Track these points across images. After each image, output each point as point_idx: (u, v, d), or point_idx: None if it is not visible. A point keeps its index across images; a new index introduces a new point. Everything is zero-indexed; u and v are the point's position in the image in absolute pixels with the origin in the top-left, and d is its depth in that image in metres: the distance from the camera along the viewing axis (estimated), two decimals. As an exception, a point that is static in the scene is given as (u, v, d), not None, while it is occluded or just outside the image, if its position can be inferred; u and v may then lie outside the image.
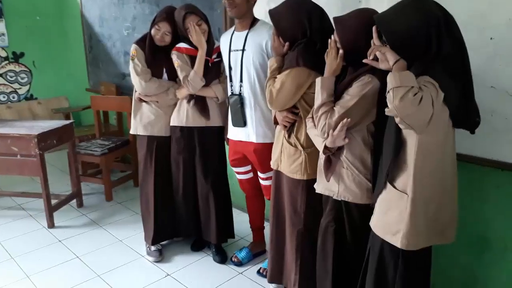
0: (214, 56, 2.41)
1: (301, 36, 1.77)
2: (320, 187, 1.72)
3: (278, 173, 2.01)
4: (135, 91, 2.54)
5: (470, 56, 1.48)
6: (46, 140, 2.88)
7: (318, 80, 1.61)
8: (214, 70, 2.43)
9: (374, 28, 1.38)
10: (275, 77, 1.83)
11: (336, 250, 1.68)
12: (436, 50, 1.30)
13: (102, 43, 4.30)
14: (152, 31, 2.41)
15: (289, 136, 1.89)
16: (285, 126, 1.89)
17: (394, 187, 1.40)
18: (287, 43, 1.83)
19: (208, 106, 2.43)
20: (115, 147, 3.52)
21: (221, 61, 2.42)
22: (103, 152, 3.40)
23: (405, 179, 1.37)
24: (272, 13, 1.82)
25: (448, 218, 1.41)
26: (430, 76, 1.28)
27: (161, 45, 2.42)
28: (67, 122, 3.16)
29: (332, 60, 1.58)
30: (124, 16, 3.88)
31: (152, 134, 2.54)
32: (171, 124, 2.51)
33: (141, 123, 2.54)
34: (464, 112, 1.35)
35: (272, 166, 2.04)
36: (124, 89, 4.04)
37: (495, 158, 1.82)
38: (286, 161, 1.91)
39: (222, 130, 2.53)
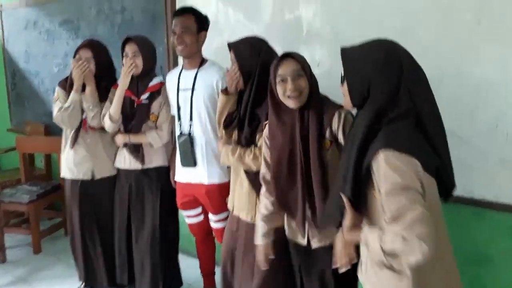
0: (143, 97, 2.27)
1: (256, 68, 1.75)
2: None
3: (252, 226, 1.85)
4: (64, 130, 2.44)
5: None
6: (-36, 190, 2.55)
7: None
8: (141, 113, 2.27)
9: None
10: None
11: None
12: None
13: (28, 80, 3.99)
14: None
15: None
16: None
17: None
18: None
19: (142, 150, 2.31)
20: (44, 193, 3.21)
21: (151, 103, 2.27)
22: (31, 199, 3.08)
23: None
24: (233, 44, 1.82)
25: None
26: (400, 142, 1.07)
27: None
28: (-11, 167, 2.85)
29: None
30: (54, 53, 3.66)
31: (77, 178, 2.41)
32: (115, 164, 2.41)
33: (66, 165, 2.42)
34: (446, 175, 1.19)
35: (245, 218, 1.87)
36: (53, 129, 3.74)
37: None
38: None
39: (165, 171, 2.39)
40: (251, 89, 1.76)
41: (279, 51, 1.97)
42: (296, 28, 2.26)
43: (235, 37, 2.36)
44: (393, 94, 1.13)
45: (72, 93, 2.30)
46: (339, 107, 1.49)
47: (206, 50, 2.21)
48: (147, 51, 2.26)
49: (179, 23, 2.07)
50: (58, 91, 2.39)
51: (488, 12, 1.71)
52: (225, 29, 2.52)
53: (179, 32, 2.06)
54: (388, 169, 1.04)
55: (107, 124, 2.25)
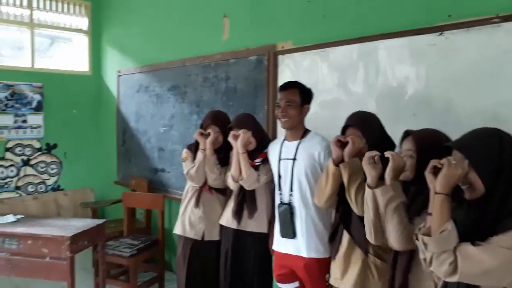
0: (257, 160, 2.37)
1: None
2: None
3: None
4: (187, 189, 2.63)
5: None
6: (78, 242, 2.74)
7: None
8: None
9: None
10: None
11: None
12: None
13: (136, 137, 4.36)
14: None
15: (367, 252, 1.76)
16: None
17: None
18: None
19: (243, 210, 2.36)
20: (144, 247, 3.36)
21: (263, 165, 2.36)
22: (132, 253, 3.23)
23: None
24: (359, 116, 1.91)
25: None
26: None
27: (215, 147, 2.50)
28: (100, 221, 3.05)
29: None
30: (161, 114, 3.98)
31: (189, 236, 2.54)
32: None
33: (181, 221, 2.59)
34: None
35: None
36: (155, 184, 4.00)
37: None
38: (377, 282, 1.75)
39: (264, 237, 2.39)
40: None
41: (385, 121, 1.93)
42: (403, 98, 2.19)
43: (332, 99, 2.47)
44: None
45: (198, 153, 2.48)
46: None
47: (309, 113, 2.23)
48: (257, 130, 2.41)
49: (284, 96, 2.12)
50: (188, 153, 2.59)
51: None
52: (330, 94, 2.52)
53: (283, 106, 2.11)
54: None
55: (230, 183, 2.40)
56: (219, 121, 2.53)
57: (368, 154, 1.63)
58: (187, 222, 2.56)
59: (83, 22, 5.01)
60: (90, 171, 5.05)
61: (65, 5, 4.84)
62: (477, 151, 1.27)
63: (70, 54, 5.07)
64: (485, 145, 1.27)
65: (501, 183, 1.22)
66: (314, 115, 2.40)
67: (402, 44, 2.18)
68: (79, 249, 2.79)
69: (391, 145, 1.84)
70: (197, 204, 2.53)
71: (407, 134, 1.64)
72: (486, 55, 1.88)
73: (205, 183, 2.52)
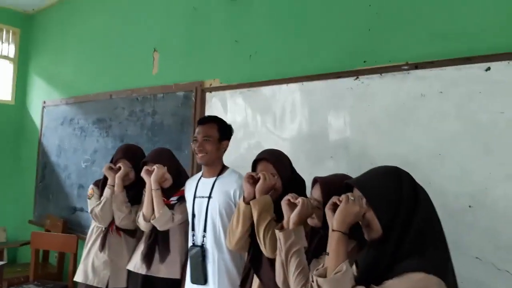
0: (173, 198, 2.22)
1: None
2: None
3: None
4: (92, 230, 2.39)
5: (450, 224, 1.38)
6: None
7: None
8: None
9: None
10: None
11: None
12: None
13: (56, 173, 4.05)
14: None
15: None
16: None
17: None
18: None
19: (154, 253, 2.18)
20: (49, 294, 3.02)
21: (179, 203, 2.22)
22: (34, 301, 2.89)
23: None
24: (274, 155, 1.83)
25: None
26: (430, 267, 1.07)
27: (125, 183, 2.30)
28: (-3, 264, 2.72)
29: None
30: (84, 148, 3.74)
31: (91, 284, 2.27)
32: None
33: (83, 267, 2.31)
34: None
35: None
36: (72, 225, 3.69)
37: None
38: None
39: (176, 284, 2.19)
40: None
41: (304, 163, 1.90)
42: (323, 140, 2.18)
43: (264, 142, 2.42)
44: (412, 213, 1.16)
45: (105, 190, 2.28)
46: None
47: (234, 152, 2.16)
48: (174, 166, 2.27)
49: (201, 131, 2.04)
50: (94, 189, 2.39)
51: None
52: (254, 133, 2.49)
53: (200, 140, 2.02)
54: None
55: (141, 223, 2.20)
56: (131, 155, 2.35)
57: (289, 196, 1.55)
58: (90, 267, 2.29)
59: (9, 49, 4.74)
60: (3, 208, 4.59)
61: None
62: (375, 190, 1.21)
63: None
64: (383, 184, 1.21)
65: (397, 224, 1.15)
66: (240, 156, 2.35)
67: (324, 87, 2.20)
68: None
69: (303, 185, 1.79)
70: (102, 247, 2.28)
71: (315, 181, 1.60)
72: (398, 100, 1.93)
73: (112, 223, 2.30)
